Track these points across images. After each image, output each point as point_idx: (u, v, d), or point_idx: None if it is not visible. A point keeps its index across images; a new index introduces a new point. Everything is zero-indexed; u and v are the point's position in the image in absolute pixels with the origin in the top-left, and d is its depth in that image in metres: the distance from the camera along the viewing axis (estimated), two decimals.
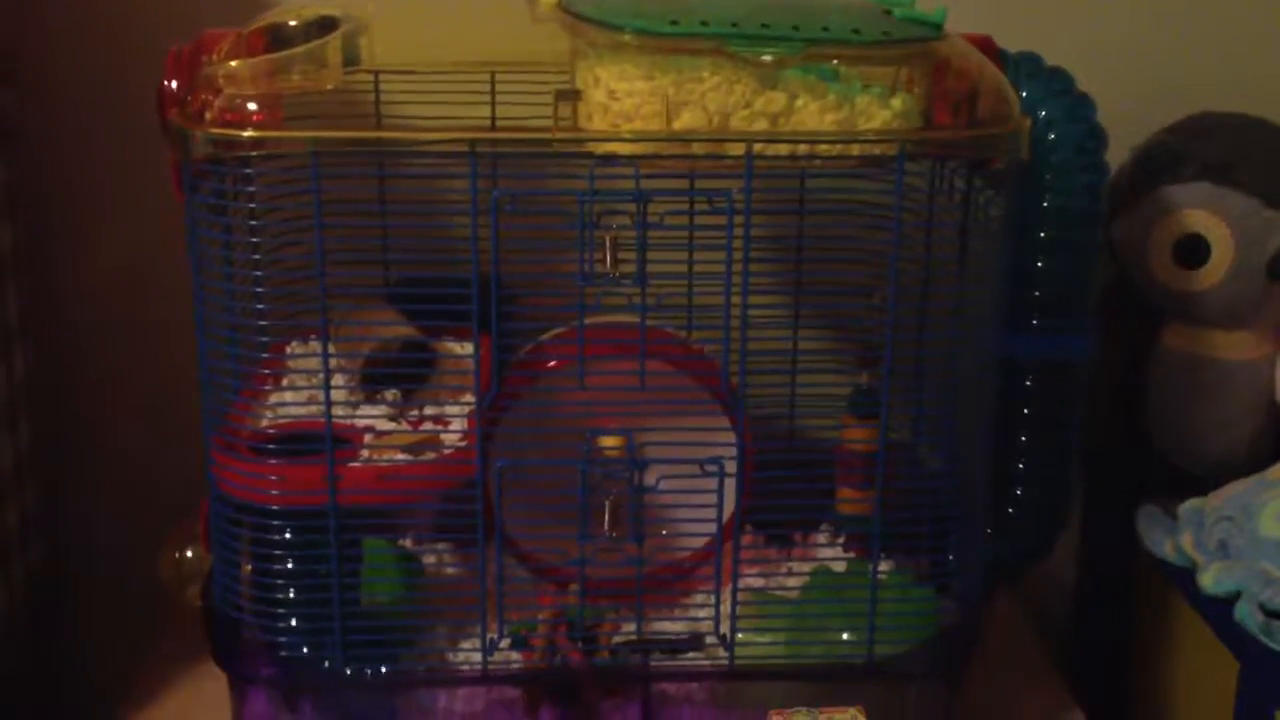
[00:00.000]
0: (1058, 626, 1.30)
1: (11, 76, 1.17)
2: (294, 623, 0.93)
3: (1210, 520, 1.11)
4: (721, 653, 0.95)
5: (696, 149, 0.89)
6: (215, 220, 0.91)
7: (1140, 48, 1.24)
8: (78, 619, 1.30)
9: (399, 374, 1.00)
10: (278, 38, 0.92)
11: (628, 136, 0.88)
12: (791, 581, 1.00)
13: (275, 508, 0.91)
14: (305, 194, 0.87)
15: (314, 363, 0.92)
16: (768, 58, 0.87)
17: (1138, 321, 1.20)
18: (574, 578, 0.95)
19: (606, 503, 0.94)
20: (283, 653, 0.93)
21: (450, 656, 0.96)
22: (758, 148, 0.88)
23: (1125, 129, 1.11)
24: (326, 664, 0.93)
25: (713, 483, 0.93)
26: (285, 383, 1.00)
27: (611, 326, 0.95)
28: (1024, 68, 1.03)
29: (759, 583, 1.00)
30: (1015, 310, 1.00)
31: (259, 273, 0.90)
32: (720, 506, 0.93)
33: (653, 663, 0.96)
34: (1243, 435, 1.20)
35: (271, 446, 0.92)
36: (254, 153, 0.87)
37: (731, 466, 0.93)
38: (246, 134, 0.87)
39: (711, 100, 0.88)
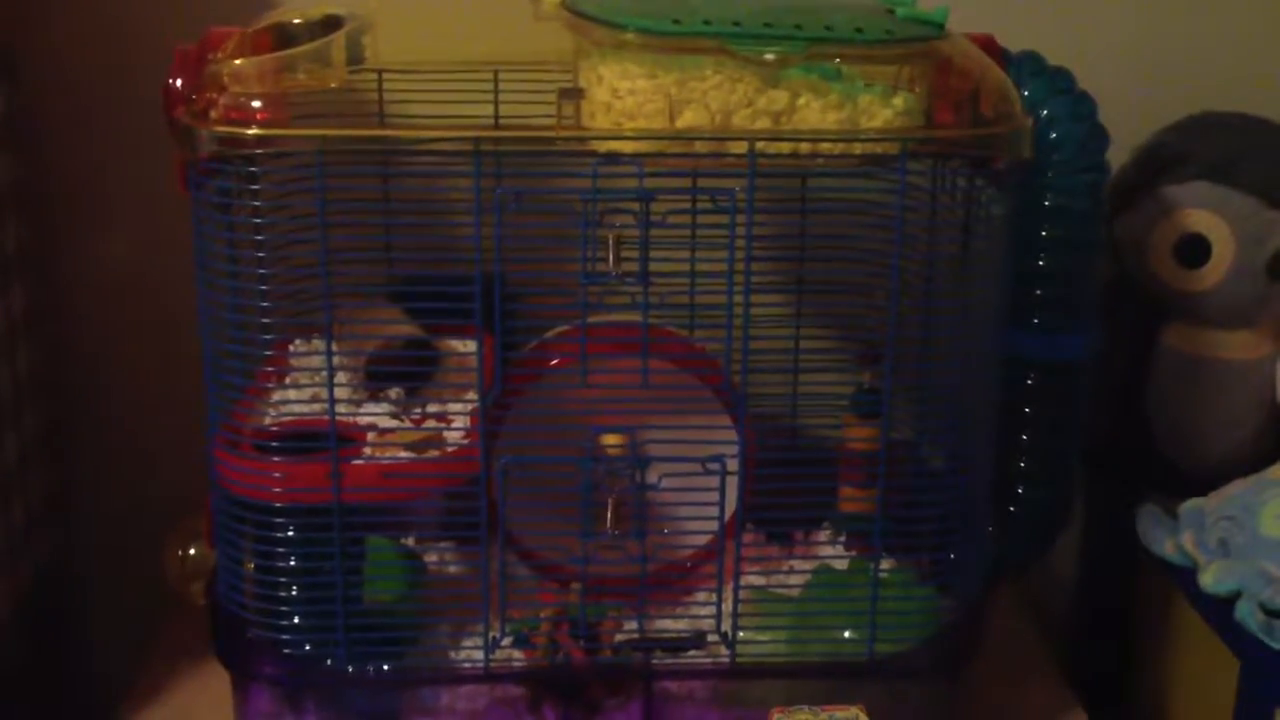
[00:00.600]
0: (1059, 625, 1.30)
1: (16, 74, 1.17)
2: (297, 620, 0.93)
3: (1211, 520, 1.11)
4: (723, 651, 0.95)
5: (699, 147, 0.89)
6: (220, 218, 0.91)
7: (1142, 47, 1.24)
8: (82, 616, 1.30)
9: (402, 372, 1.00)
10: (283, 36, 0.92)
11: (631, 135, 0.88)
12: (793, 580, 1.00)
13: (279, 505, 0.91)
14: (310, 192, 0.87)
15: (318, 360, 0.92)
16: (770, 56, 0.87)
17: (1139, 321, 1.21)
18: (576, 576, 0.95)
19: (609, 501, 0.94)
20: (286, 650, 0.93)
21: (453, 654, 0.96)
22: (760, 146, 0.88)
23: (1127, 128, 1.12)
24: (329, 662, 0.93)
25: (715, 481, 0.93)
26: (289, 380, 1.00)
27: (614, 325, 0.95)
28: (1026, 67, 1.03)
29: (761, 581, 1.00)
30: (1017, 309, 1.00)
31: (263, 270, 0.90)
32: (722, 505, 0.94)
33: (655, 661, 0.96)
34: (1244, 435, 1.20)
35: (275, 444, 0.92)
36: (259, 151, 0.87)
37: (733, 465, 0.93)
38: (251, 132, 0.87)
39: (714, 99, 0.88)
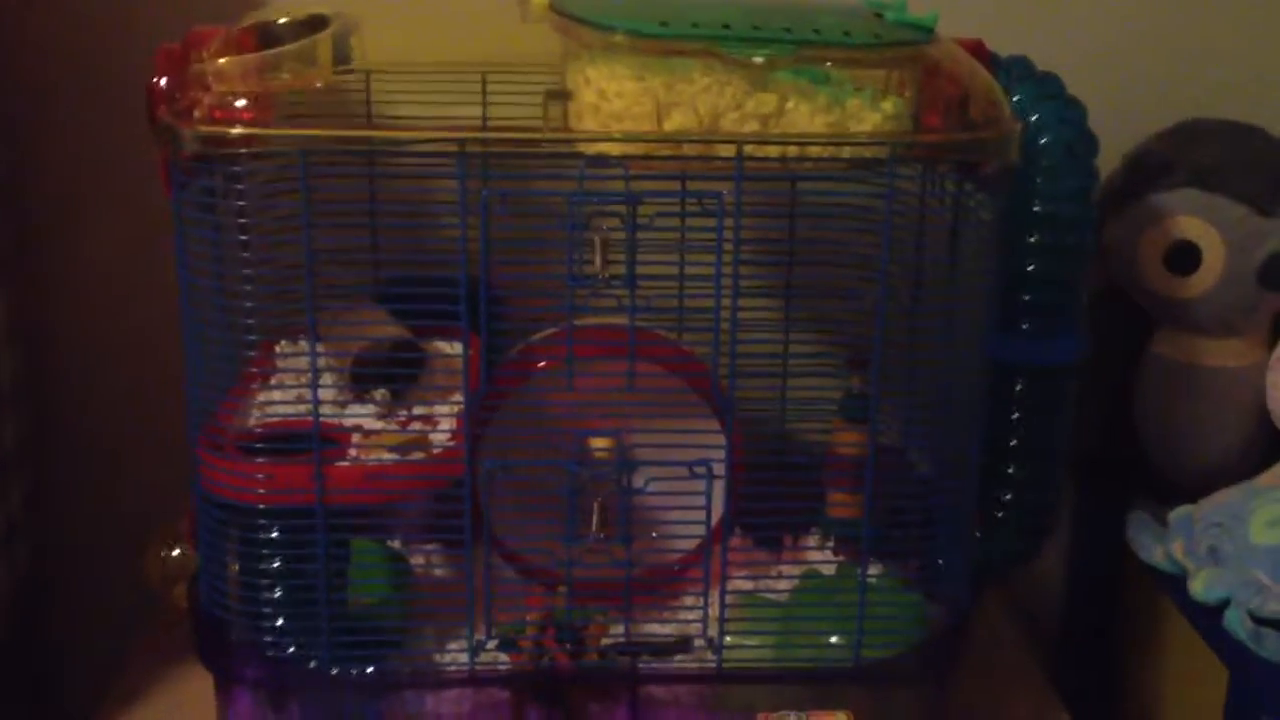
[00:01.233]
0: (1046, 632, 1.30)
1: None
2: (280, 623, 0.92)
3: (1200, 527, 1.11)
4: (710, 655, 0.95)
5: (687, 150, 0.89)
6: (204, 218, 0.91)
7: (1132, 53, 1.24)
8: (62, 619, 1.30)
9: (388, 374, 1.00)
10: (267, 36, 0.92)
11: (618, 137, 0.88)
12: (780, 585, 1.00)
13: (262, 507, 0.91)
14: (294, 193, 0.87)
15: (302, 362, 0.91)
16: (759, 59, 0.87)
17: (1128, 327, 1.21)
18: (562, 579, 0.95)
19: (595, 504, 0.94)
20: (269, 653, 0.93)
21: (437, 658, 0.96)
22: (748, 149, 0.88)
23: (1116, 135, 1.11)
24: (313, 664, 0.93)
25: (701, 485, 0.92)
26: (274, 381, 0.99)
27: (601, 328, 0.95)
28: (1015, 71, 1.03)
29: (748, 586, 1.00)
30: (1005, 314, 1.00)
31: (248, 271, 0.89)
32: (709, 509, 0.93)
33: (640, 665, 0.95)
34: (1233, 442, 1.20)
35: (259, 445, 0.91)
36: (243, 150, 0.87)
37: (720, 469, 0.93)
38: (235, 132, 0.86)
39: (702, 102, 0.88)
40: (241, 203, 0.89)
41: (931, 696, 0.99)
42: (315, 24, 0.92)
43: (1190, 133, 1.19)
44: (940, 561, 0.97)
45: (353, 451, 0.94)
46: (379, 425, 0.97)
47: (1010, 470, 1.04)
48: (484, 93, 1.06)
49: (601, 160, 0.88)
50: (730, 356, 0.91)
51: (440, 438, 0.96)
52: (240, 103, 0.88)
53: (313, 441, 0.90)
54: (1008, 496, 1.05)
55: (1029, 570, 1.10)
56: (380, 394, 0.99)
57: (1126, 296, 1.21)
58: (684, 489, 0.93)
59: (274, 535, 0.91)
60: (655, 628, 0.99)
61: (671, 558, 1.04)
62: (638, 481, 0.93)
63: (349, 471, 0.92)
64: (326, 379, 0.96)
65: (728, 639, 0.95)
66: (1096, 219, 1.05)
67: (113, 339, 1.24)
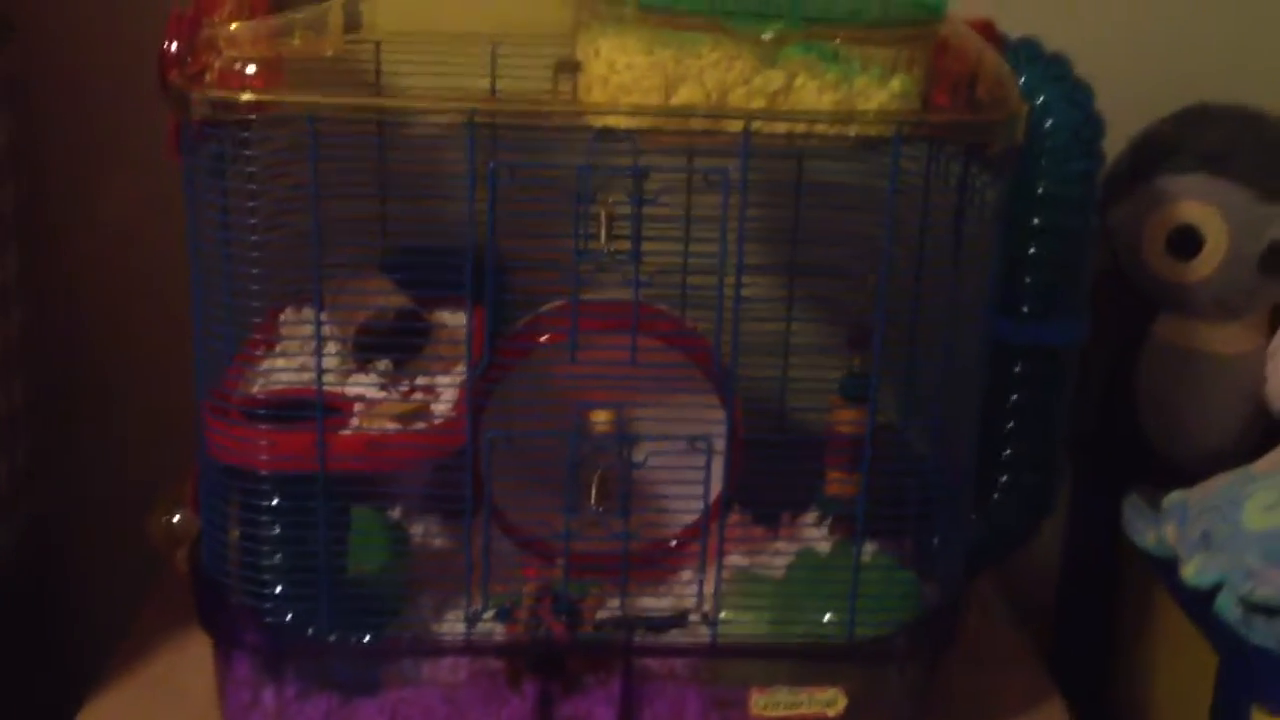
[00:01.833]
0: (1041, 614, 1.31)
1: (11, 37, 1.16)
2: (280, 589, 0.93)
3: (1194, 512, 1.11)
4: (705, 630, 0.96)
5: (694, 125, 0.89)
6: (213, 183, 0.91)
7: (1140, 37, 1.24)
8: (67, 579, 1.30)
9: (392, 343, 1.00)
10: (279, 1, 0.92)
11: (626, 110, 0.88)
12: (777, 561, 1.00)
13: (264, 473, 0.91)
14: (303, 160, 0.87)
15: (308, 330, 0.92)
16: (768, 35, 0.87)
17: (1130, 311, 1.21)
18: (560, 552, 0.95)
19: (594, 477, 0.94)
20: (268, 619, 0.93)
21: (434, 627, 0.97)
22: (755, 125, 0.88)
23: (1123, 118, 1.11)
24: (311, 631, 0.93)
25: (701, 460, 0.93)
26: (279, 349, 1.00)
27: (605, 302, 0.95)
28: (1023, 53, 1.03)
29: (744, 562, 1.00)
30: (1007, 296, 1.00)
31: (255, 237, 0.89)
32: (708, 484, 0.94)
33: (636, 639, 0.96)
34: (1231, 428, 1.20)
35: (262, 412, 0.92)
36: (252, 116, 0.87)
37: (720, 445, 0.93)
38: (245, 97, 0.86)
39: (710, 76, 0.87)
40: (251, 169, 0.89)
41: (924, 675, 0.99)
42: None
43: (1198, 117, 1.19)
44: (936, 541, 0.97)
45: (355, 420, 0.94)
46: (382, 395, 0.97)
47: (1008, 451, 1.04)
48: (493, 64, 1.05)
49: (609, 133, 0.88)
50: (733, 332, 0.91)
51: (442, 408, 0.96)
52: (250, 68, 0.88)
53: (316, 409, 0.90)
54: (1005, 477, 1.05)
55: (1025, 552, 1.10)
56: (384, 364, 0.99)
57: (1129, 280, 1.21)
58: (683, 464, 0.93)
59: (275, 502, 0.92)
60: (651, 601, 0.99)
61: (669, 532, 1.04)
62: (638, 456, 0.93)
63: (351, 440, 0.92)
64: (331, 348, 0.96)
65: (723, 614, 0.95)
66: (1101, 201, 1.05)
67: (122, 300, 1.24)
